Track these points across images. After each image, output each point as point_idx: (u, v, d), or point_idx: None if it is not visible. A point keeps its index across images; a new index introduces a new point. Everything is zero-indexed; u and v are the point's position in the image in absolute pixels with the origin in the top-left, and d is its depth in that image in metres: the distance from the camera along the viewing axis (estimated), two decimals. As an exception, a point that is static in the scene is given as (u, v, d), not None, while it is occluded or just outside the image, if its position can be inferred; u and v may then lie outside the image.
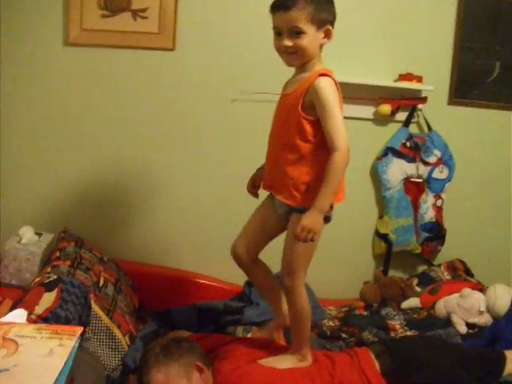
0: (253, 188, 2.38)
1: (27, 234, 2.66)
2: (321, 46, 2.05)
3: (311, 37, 1.97)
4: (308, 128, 2.01)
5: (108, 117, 3.05)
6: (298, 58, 2.02)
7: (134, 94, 3.04)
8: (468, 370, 2.32)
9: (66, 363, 0.93)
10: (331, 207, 2.10)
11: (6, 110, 2.98)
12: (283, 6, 1.95)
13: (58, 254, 2.60)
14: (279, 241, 2.23)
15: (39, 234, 2.73)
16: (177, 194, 3.16)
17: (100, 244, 2.98)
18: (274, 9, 1.99)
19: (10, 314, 1.23)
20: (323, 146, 1.99)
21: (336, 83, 2.01)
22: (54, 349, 0.97)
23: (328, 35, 2.02)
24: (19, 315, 1.19)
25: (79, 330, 1.01)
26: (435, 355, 2.38)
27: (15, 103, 2.99)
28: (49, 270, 2.37)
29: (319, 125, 1.98)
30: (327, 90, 1.96)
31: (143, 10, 2.90)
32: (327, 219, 2.09)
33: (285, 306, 2.38)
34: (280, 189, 2.13)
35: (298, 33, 1.95)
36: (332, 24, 2.03)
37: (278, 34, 2.00)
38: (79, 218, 3.08)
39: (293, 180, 2.06)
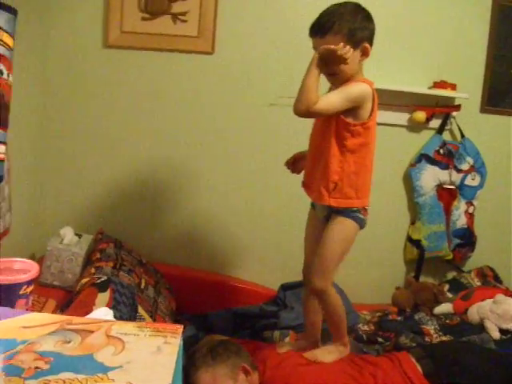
0: (291, 164, 2.38)
1: (68, 234, 2.66)
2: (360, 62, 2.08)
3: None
4: (344, 132, 2.05)
5: (146, 120, 3.06)
6: (338, 80, 2.05)
7: (173, 97, 3.06)
8: (504, 372, 2.33)
9: (177, 360, 0.93)
10: (364, 211, 2.16)
11: (50, 112, 2.99)
12: (319, 31, 1.99)
13: (98, 255, 2.61)
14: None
15: (79, 235, 2.74)
16: (215, 197, 3.17)
17: (135, 246, 2.99)
18: (311, 33, 2.03)
19: (95, 312, 1.23)
20: (355, 150, 2.07)
21: (373, 91, 2.05)
22: (161, 346, 0.97)
23: (365, 53, 2.05)
24: (104, 314, 1.20)
25: (180, 328, 1.01)
26: (475, 359, 2.39)
27: (58, 106, 3.01)
28: (93, 270, 2.38)
29: (352, 128, 2.03)
30: (356, 86, 2.02)
31: (183, 14, 2.92)
32: (358, 221, 2.15)
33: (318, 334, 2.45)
34: (313, 190, 2.20)
35: None
36: (369, 40, 2.05)
37: None
38: (114, 220, 3.10)
39: (324, 179, 2.11)
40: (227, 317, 2.85)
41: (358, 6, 2.05)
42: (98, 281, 2.12)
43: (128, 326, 1.04)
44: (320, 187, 2.12)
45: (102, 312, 1.24)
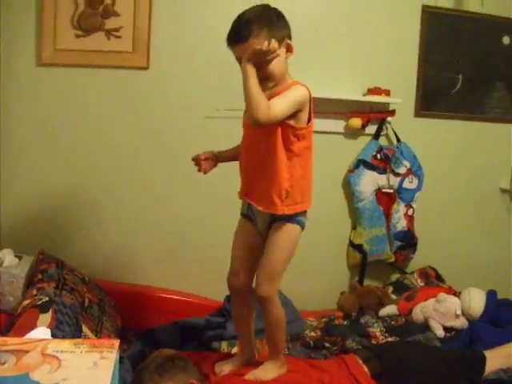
0: (203, 160, 2.34)
1: (8, 257, 2.61)
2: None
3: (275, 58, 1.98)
4: (291, 136, 2.04)
5: (83, 136, 3.03)
6: (270, 81, 2.02)
7: (109, 112, 3.04)
8: (452, 369, 2.39)
9: (113, 374, 0.94)
10: (305, 214, 2.18)
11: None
12: (240, 38, 1.96)
13: (40, 276, 2.55)
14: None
15: (19, 257, 2.69)
16: (154, 211, 3.16)
17: (77, 265, 2.94)
18: (232, 43, 2.01)
19: (32, 332, 1.22)
20: (301, 153, 2.07)
21: (309, 92, 2.05)
22: (97, 362, 0.97)
23: (290, 49, 2.04)
24: (42, 334, 1.19)
25: (116, 342, 1.02)
26: (421, 357, 2.44)
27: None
28: (34, 292, 2.33)
29: (298, 131, 2.04)
30: (299, 89, 2.00)
31: (117, 30, 2.91)
32: (302, 225, 2.17)
33: (254, 347, 2.46)
34: (260, 200, 2.16)
35: None
36: (289, 37, 2.04)
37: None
38: (55, 240, 3.04)
39: (275, 188, 2.09)
40: (174, 330, 2.83)
41: (268, 7, 2.04)
42: (39, 302, 2.09)
43: (64, 344, 1.04)
44: (271, 197, 2.09)
45: (40, 332, 1.23)
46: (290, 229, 2.15)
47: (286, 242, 2.16)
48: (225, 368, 2.39)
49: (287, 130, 2.03)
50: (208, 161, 2.34)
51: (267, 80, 2.00)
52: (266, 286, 2.17)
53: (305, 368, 2.37)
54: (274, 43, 1.93)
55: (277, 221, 2.15)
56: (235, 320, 2.48)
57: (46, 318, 1.96)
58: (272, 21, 1.98)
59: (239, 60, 1.98)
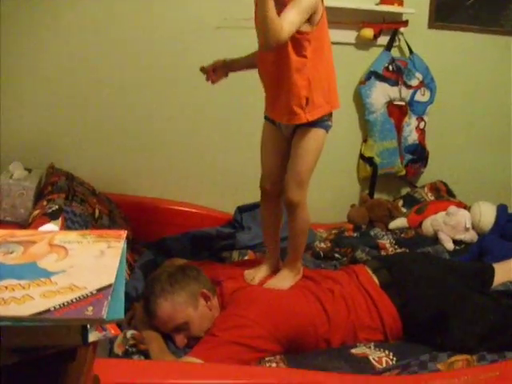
0: (211, 71, 2.33)
1: (17, 169, 2.62)
2: None
3: None
4: (304, 42, 2.00)
5: (91, 38, 2.95)
6: None
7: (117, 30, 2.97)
8: (461, 280, 2.40)
9: (120, 261, 0.94)
10: (330, 115, 2.17)
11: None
12: None
13: (50, 188, 2.57)
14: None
15: (29, 170, 2.70)
16: (163, 123, 3.12)
17: (88, 179, 2.95)
18: None
19: (41, 228, 1.22)
20: (316, 56, 2.03)
21: None
22: (105, 250, 0.97)
23: None
24: (51, 229, 1.19)
25: (123, 233, 1.02)
26: (430, 268, 2.45)
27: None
28: (45, 203, 2.34)
29: (309, 35, 1.99)
30: None
31: None
32: (327, 128, 2.17)
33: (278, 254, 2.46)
34: (281, 113, 2.15)
35: None
36: None
37: None
38: (65, 154, 3.02)
39: (294, 99, 2.06)
40: (185, 240, 2.86)
41: None
42: (50, 210, 2.10)
43: (71, 235, 1.04)
44: (292, 108, 2.08)
45: (49, 227, 1.23)
46: (315, 133, 2.14)
47: (311, 146, 2.16)
48: (257, 275, 2.39)
49: (298, 38, 1.98)
50: (217, 71, 2.31)
51: None
52: (294, 192, 2.18)
53: (316, 277, 2.40)
54: None
55: (301, 126, 2.14)
56: (264, 226, 2.49)
57: (56, 224, 1.97)
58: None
59: None
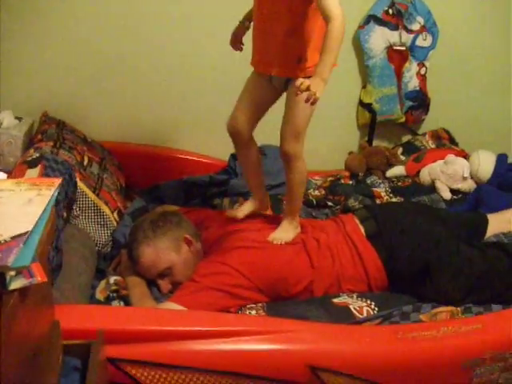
0: (236, 42, 2.29)
1: (7, 118, 2.63)
2: None
3: None
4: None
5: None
6: None
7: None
8: (451, 230, 2.37)
9: (44, 210, 0.93)
10: None
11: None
12: None
13: (40, 136, 2.58)
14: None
15: (19, 119, 2.71)
16: (157, 68, 3.06)
17: (82, 127, 2.94)
18: None
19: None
20: (312, 18, 1.97)
21: None
22: (33, 198, 0.97)
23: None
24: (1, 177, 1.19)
25: (58, 180, 1.01)
26: (418, 217, 2.41)
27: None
28: (32, 151, 2.34)
29: None
30: None
31: None
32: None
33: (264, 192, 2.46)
34: (272, 64, 2.10)
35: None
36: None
37: None
38: (59, 101, 3.01)
39: (286, 52, 2.04)
40: (178, 186, 2.85)
41: None
42: (29, 158, 2.10)
43: (6, 183, 1.04)
44: (287, 64, 2.05)
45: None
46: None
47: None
48: (244, 209, 2.40)
49: None
50: (239, 38, 2.28)
51: None
52: (292, 143, 2.14)
53: (304, 227, 2.38)
54: None
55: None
56: (244, 170, 2.48)
57: (34, 172, 1.98)
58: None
59: None
